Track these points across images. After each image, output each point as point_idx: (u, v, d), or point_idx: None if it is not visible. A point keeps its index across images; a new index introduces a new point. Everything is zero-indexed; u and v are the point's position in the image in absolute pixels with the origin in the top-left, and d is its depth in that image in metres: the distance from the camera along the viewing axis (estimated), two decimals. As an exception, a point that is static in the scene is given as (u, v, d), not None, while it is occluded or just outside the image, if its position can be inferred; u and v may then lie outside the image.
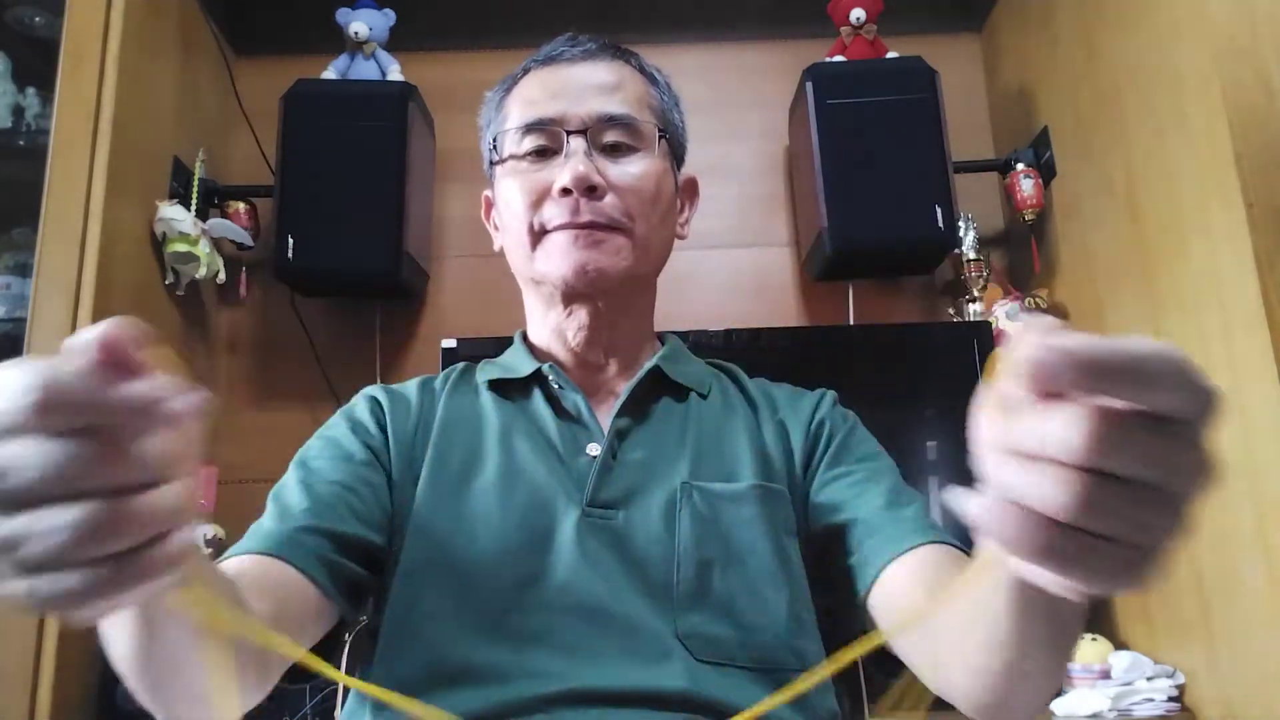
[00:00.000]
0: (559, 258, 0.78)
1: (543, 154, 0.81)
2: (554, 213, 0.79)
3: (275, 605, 0.62)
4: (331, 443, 0.78)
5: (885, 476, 0.80)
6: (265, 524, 0.70)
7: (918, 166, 1.79)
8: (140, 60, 1.66)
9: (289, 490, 0.73)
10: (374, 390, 0.85)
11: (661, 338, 0.91)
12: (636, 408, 0.81)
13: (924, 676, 0.63)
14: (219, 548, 1.57)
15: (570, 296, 0.81)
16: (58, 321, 1.46)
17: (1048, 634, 0.50)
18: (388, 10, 1.96)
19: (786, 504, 0.78)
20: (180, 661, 0.48)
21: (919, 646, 0.64)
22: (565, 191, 0.77)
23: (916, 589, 0.68)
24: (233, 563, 0.66)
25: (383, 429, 0.80)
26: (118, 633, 0.47)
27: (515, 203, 0.80)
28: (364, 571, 0.72)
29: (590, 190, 0.77)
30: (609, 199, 0.78)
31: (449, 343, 1.72)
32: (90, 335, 0.33)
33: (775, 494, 0.77)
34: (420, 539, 0.73)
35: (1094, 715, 1.42)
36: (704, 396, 0.85)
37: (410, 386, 0.85)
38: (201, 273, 1.77)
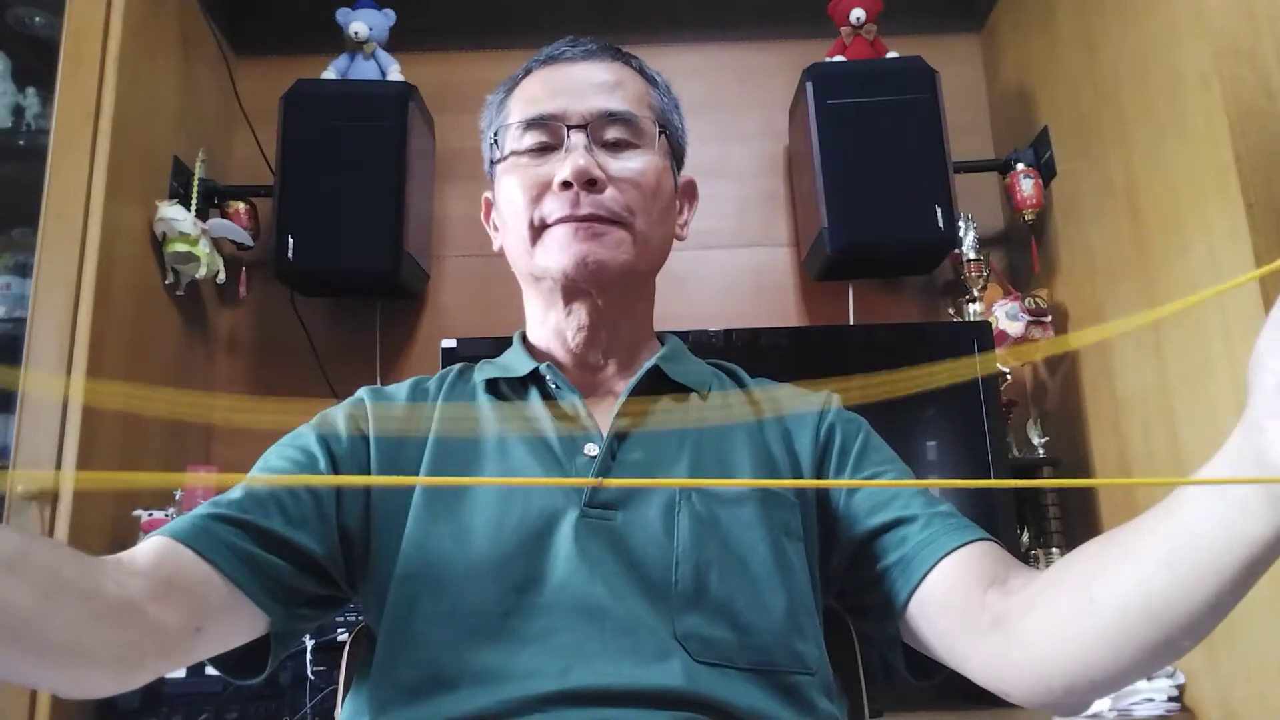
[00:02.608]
0: (559, 251, 0.78)
1: (544, 149, 0.81)
2: (554, 207, 0.79)
3: (185, 594, 0.63)
4: (290, 441, 0.79)
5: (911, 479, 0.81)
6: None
7: (918, 166, 1.79)
8: (140, 60, 1.66)
9: (234, 489, 0.73)
10: (361, 392, 0.85)
11: (661, 337, 0.91)
12: (636, 408, 0.81)
13: (1003, 670, 0.63)
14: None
15: (570, 292, 0.81)
16: (58, 321, 1.46)
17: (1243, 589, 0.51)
18: (388, 10, 1.97)
19: (788, 507, 0.77)
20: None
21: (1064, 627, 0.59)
22: (565, 185, 0.77)
23: (975, 585, 0.67)
24: (147, 547, 0.65)
25: (361, 431, 0.79)
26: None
27: (516, 198, 0.81)
28: (291, 568, 0.70)
29: (590, 184, 0.78)
30: (609, 193, 0.79)
31: (449, 343, 1.72)
32: None
33: (776, 496, 0.77)
34: (417, 543, 0.73)
35: (1094, 715, 1.42)
36: (704, 397, 0.85)
37: (401, 388, 0.85)
38: (201, 273, 1.77)
